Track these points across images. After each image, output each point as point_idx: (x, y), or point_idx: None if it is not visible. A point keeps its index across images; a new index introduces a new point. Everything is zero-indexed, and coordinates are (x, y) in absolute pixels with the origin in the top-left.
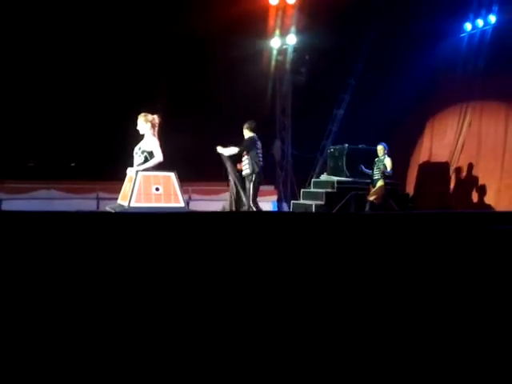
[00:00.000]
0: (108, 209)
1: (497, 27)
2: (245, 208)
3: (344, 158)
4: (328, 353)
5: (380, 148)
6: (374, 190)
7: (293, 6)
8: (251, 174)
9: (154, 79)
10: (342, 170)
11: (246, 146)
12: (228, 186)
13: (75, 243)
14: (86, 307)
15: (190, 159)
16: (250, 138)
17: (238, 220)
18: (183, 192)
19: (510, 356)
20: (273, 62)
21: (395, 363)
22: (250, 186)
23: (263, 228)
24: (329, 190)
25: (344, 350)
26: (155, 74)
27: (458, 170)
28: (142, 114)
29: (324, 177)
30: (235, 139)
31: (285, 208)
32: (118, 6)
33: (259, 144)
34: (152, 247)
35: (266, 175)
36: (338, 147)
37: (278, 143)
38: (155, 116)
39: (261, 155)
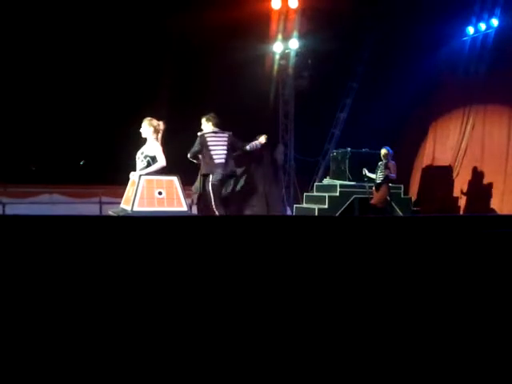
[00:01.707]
0: (111, 213)
1: (499, 31)
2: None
3: (347, 162)
4: (330, 355)
5: (384, 152)
6: (377, 193)
7: (295, 11)
8: (207, 175)
9: (155, 83)
10: (345, 173)
11: (193, 151)
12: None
13: (78, 247)
14: (90, 310)
15: (192, 163)
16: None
17: (242, 224)
18: (186, 196)
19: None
20: (275, 67)
21: (396, 366)
22: (209, 189)
23: (266, 232)
24: (332, 194)
25: (347, 353)
26: (157, 79)
27: (462, 174)
28: (148, 119)
29: (327, 181)
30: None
31: (288, 212)
32: (121, 8)
33: (213, 139)
34: (155, 251)
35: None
36: (340, 151)
37: (280, 147)
38: (161, 122)
39: (215, 152)
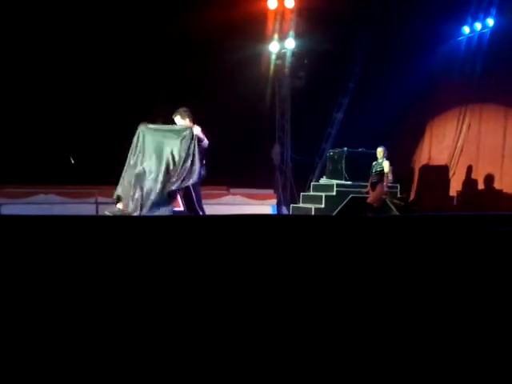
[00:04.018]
0: (107, 213)
1: (495, 30)
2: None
3: (343, 162)
4: (328, 355)
5: (380, 150)
6: (373, 193)
7: (291, 11)
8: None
9: (152, 83)
10: (342, 173)
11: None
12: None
13: (75, 247)
14: (87, 310)
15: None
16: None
17: (238, 223)
18: (182, 196)
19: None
20: (272, 66)
21: (394, 366)
22: (191, 188)
23: (263, 231)
24: (328, 194)
25: (344, 353)
26: (154, 79)
27: (458, 173)
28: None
29: (323, 180)
30: (232, 142)
31: (284, 212)
32: (117, 10)
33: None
34: (152, 250)
35: (264, 178)
36: (337, 151)
37: (277, 147)
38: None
39: (199, 150)
